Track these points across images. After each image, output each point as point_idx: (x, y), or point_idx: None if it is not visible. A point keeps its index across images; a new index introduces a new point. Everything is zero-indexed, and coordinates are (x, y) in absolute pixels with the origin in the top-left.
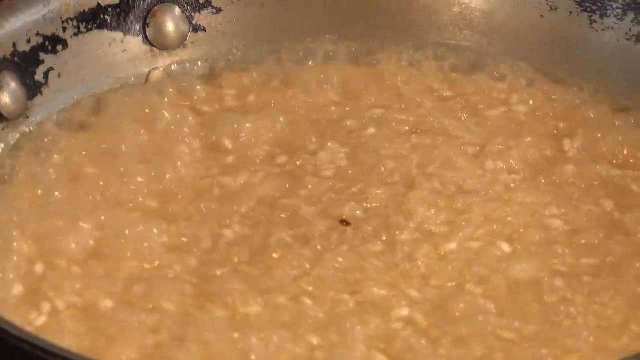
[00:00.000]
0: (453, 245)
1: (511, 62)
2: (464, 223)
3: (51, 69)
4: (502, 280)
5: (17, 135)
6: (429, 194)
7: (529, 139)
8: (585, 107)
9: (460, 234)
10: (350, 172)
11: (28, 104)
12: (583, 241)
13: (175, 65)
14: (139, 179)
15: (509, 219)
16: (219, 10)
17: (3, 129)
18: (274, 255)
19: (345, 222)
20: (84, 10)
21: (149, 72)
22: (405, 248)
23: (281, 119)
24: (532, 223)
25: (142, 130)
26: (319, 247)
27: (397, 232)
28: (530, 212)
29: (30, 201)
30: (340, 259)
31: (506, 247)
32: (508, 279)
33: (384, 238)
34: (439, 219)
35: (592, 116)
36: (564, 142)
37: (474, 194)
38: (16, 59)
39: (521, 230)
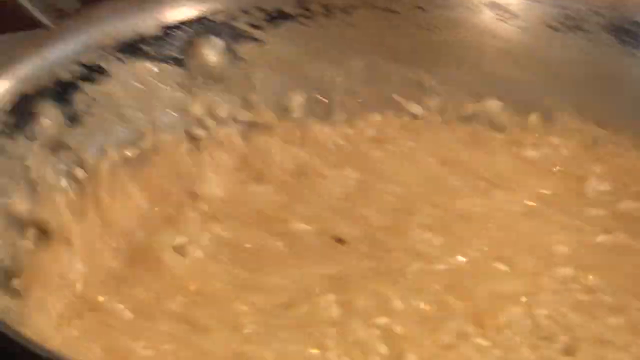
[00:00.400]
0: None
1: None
2: None
3: (93, 99)
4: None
5: None
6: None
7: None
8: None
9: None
10: None
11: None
12: None
13: (216, 97)
14: None
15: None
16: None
17: None
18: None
19: (340, 241)
20: (125, 40)
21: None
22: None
23: None
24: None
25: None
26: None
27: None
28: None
29: None
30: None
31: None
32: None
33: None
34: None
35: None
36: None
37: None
38: (58, 87)
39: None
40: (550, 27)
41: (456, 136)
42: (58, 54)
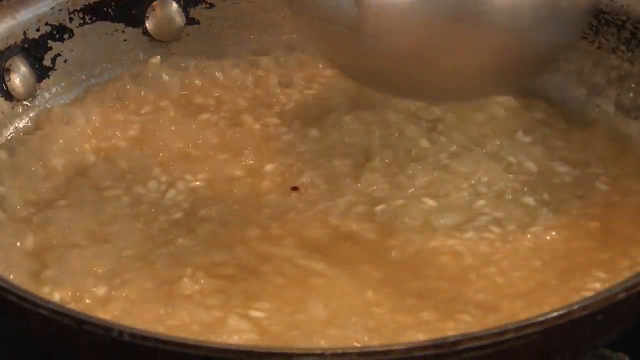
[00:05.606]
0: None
1: None
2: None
3: (58, 54)
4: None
5: (28, 115)
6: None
7: None
8: None
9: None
10: None
11: (37, 87)
12: None
13: (172, 55)
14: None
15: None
16: (212, 6)
17: (13, 108)
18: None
19: (295, 188)
20: (89, 3)
21: (147, 61)
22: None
23: None
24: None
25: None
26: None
27: None
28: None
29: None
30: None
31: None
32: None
33: None
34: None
35: None
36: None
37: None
38: (26, 45)
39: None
40: None
41: None
42: (27, 15)
